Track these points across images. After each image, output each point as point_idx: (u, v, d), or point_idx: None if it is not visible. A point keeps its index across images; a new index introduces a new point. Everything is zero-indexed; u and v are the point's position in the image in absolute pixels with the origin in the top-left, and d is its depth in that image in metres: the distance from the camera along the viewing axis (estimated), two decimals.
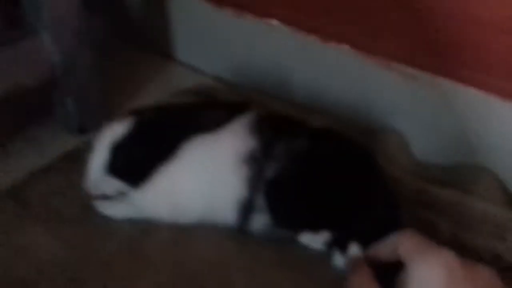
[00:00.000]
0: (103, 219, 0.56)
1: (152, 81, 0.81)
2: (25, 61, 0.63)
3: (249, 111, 0.57)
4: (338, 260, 0.52)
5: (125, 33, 0.88)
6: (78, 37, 0.66)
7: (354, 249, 0.51)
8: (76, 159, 0.59)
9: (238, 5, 0.77)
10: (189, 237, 0.55)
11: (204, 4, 0.79)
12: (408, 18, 0.64)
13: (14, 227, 0.56)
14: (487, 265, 0.43)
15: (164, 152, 0.55)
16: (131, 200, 0.56)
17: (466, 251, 0.44)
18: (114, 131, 0.56)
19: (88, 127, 0.68)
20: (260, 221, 0.54)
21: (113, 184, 0.55)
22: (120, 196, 0.56)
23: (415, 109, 0.67)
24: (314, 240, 0.54)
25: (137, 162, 0.55)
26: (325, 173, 0.54)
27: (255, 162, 0.53)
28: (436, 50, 0.63)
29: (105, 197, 0.56)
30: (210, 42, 0.82)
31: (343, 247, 0.52)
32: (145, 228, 0.55)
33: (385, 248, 0.47)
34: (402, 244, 0.46)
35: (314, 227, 0.53)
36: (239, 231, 0.55)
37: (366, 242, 0.50)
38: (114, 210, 0.57)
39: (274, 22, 0.74)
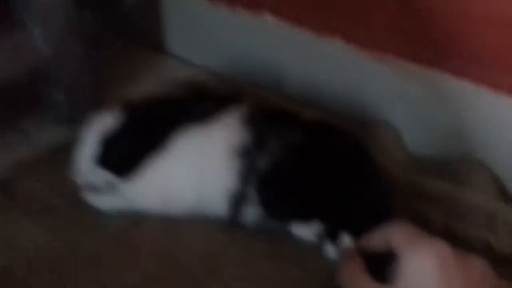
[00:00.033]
0: (92, 210, 0.56)
1: (144, 73, 0.81)
2: (14, 53, 0.63)
3: (242, 103, 0.57)
4: (330, 251, 0.52)
5: (117, 26, 0.87)
6: (68, 29, 0.65)
7: (346, 240, 0.51)
8: (65, 151, 0.58)
9: None
10: (179, 228, 0.54)
11: None
12: (401, 11, 0.63)
13: (1, 219, 0.55)
14: (478, 255, 0.43)
15: (154, 143, 0.55)
16: (120, 191, 0.55)
17: (458, 242, 0.44)
18: (103, 122, 0.56)
19: (78, 119, 0.67)
20: (252, 212, 0.54)
21: (102, 176, 0.55)
22: (109, 187, 0.55)
23: (408, 101, 0.67)
24: (306, 231, 0.54)
25: (126, 153, 0.55)
26: (318, 164, 0.54)
27: (247, 154, 0.53)
28: (429, 43, 0.63)
29: (94, 189, 0.55)
30: (202, 35, 0.81)
31: (335, 238, 0.52)
32: (134, 220, 0.55)
33: (377, 239, 0.47)
34: (394, 234, 0.46)
35: (306, 218, 0.53)
36: (231, 223, 0.54)
37: (358, 232, 0.50)
38: (103, 201, 0.56)
39: (267, 15, 0.73)
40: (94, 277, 0.50)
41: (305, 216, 0.53)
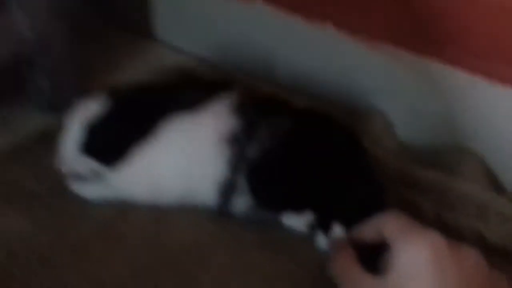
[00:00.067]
0: (77, 200, 0.55)
1: (131, 60, 0.79)
2: None
3: (231, 91, 0.56)
4: (321, 241, 0.52)
5: (105, 11, 0.85)
6: (53, 14, 0.64)
7: (337, 230, 0.50)
8: (49, 138, 0.57)
9: None
10: (167, 218, 0.54)
11: None
12: None
13: None
14: (470, 245, 0.43)
15: (141, 131, 0.54)
16: (106, 180, 0.54)
17: (449, 232, 0.43)
18: (89, 109, 0.55)
19: (62, 105, 0.66)
20: (241, 202, 0.53)
21: (88, 164, 0.54)
22: (95, 176, 0.54)
23: (399, 89, 0.66)
24: (296, 222, 0.53)
25: (113, 141, 0.54)
26: (308, 153, 0.53)
27: (237, 142, 0.53)
28: (422, 30, 0.63)
29: (79, 177, 0.54)
30: (191, 21, 0.80)
31: (326, 228, 0.51)
32: (121, 209, 0.54)
33: (369, 229, 0.47)
34: (386, 225, 0.45)
35: (297, 208, 0.53)
36: (220, 212, 0.54)
37: (349, 223, 0.49)
38: (88, 190, 0.55)
39: (259, 1, 0.72)
40: (80, 267, 0.49)
41: (296, 206, 0.53)
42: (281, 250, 0.52)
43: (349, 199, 0.52)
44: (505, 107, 0.60)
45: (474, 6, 0.58)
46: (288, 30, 0.71)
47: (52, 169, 0.54)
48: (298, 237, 0.53)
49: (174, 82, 0.68)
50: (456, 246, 0.42)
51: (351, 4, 0.66)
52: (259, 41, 0.75)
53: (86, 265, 0.49)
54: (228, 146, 0.52)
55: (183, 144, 0.53)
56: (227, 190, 0.53)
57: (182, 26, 0.81)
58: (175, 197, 0.54)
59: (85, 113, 0.54)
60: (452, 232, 0.52)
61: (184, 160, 0.53)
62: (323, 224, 0.51)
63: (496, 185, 0.62)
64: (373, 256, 0.44)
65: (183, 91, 0.56)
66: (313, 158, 0.53)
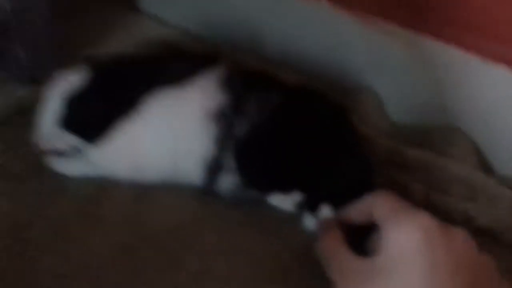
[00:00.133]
0: (55, 176, 0.53)
1: (115, 32, 0.77)
2: None
3: (218, 65, 0.54)
4: (309, 222, 0.51)
5: None
6: None
7: (326, 211, 0.49)
8: (27, 112, 0.55)
9: None
10: (150, 196, 0.52)
11: None
12: None
13: None
14: (459, 226, 0.42)
15: (124, 105, 0.52)
16: (86, 156, 0.53)
17: (438, 212, 0.43)
18: (69, 81, 0.53)
19: (41, 78, 0.64)
20: (228, 181, 0.52)
21: (67, 139, 0.52)
22: (75, 152, 0.53)
23: (391, 67, 0.65)
24: (284, 201, 0.52)
25: (94, 115, 0.52)
26: (297, 132, 0.52)
27: (224, 118, 0.51)
28: (415, 5, 0.61)
29: (58, 153, 0.53)
30: None
31: (314, 209, 0.50)
32: (101, 186, 0.53)
33: (357, 210, 0.46)
34: (376, 205, 0.44)
35: (285, 188, 0.52)
36: (206, 191, 0.52)
37: (338, 203, 0.49)
38: (67, 167, 0.54)
39: None
40: (59, 247, 0.48)
41: (284, 185, 0.52)
42: (267, 230, 0.51)
43: (337, 179, 0.51)
44: (497, 87, 0.59)
45: None
46: (277, 3, 0.69)
47: (30, 145, 0.52)
48: (285, 217, 0.52)
49: (159, 55, 0.67)
50: (445, 227, 0.41)
51: None
52: (248, 13, 0.72)
53: (65, 244, 0.48)
54: (214, 122, 0.51)
55: (168, 120, 0.52)
56: (214, 168, 0.51)
57: None
58: (159, 175, 0.52)
59: (64, 85, 0.52)
60: (441, 213, 0.52)
61: (168, 136, 0.51)
62: (311, 204, 0.50)
63: (485, 165, 0.61)
64: (362, 237, 0.44)
65: (168, 65, 0.54)
66: (302, 137, 0.51)
